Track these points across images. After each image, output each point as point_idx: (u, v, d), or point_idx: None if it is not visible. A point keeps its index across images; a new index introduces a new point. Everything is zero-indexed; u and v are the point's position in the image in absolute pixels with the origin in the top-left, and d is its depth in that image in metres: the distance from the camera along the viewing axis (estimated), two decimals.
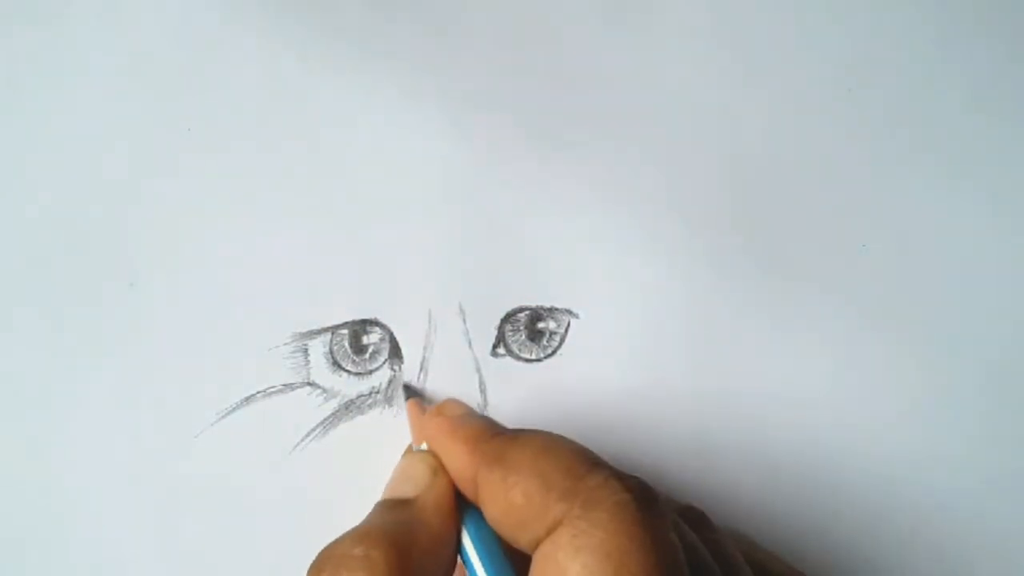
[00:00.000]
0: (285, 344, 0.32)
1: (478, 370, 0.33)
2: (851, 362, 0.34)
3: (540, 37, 0.34)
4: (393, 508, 0.25)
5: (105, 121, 0.32)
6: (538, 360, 0.33)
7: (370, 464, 0.32)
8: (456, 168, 0.33)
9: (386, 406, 0.32)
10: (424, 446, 0.27)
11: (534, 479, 0.23)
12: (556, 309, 0.33)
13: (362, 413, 0.32)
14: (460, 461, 0.25)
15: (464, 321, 0.33)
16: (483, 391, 0.33)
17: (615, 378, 0.33)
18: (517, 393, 0.33)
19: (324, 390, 0.32)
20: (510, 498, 0.23)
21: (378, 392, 0.32)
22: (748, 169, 0.34)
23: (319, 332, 0.32)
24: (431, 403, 0.31)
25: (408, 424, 0.31)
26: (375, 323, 0.32)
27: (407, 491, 0.26)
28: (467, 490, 0.25)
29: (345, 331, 0.32)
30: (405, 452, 0.28)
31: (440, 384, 0.32)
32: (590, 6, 0.34)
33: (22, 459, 0.31)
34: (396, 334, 0.32)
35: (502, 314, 0.33)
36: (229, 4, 0.33)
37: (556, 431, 0.33)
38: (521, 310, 0.33)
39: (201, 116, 0.32)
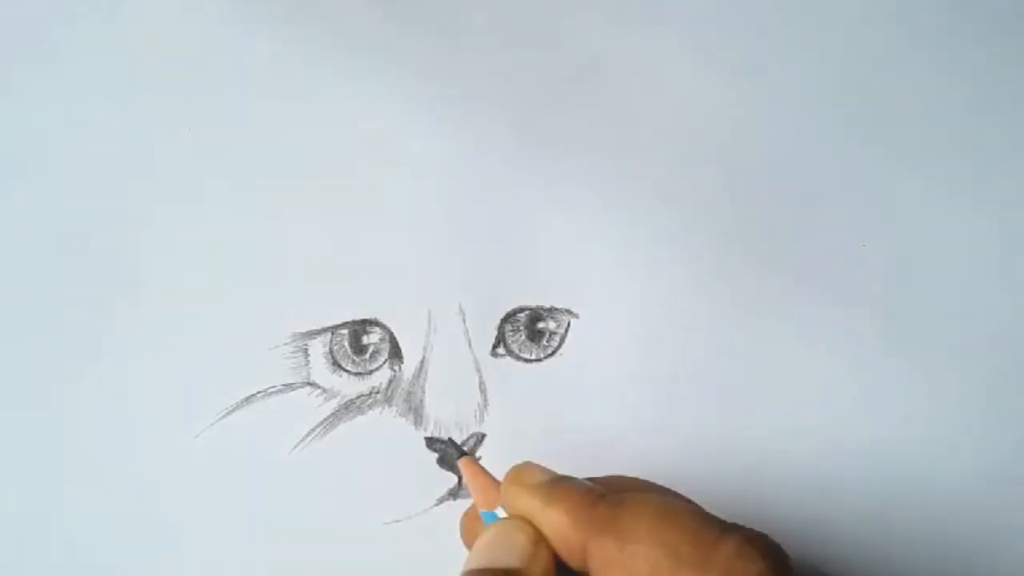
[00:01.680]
0: (285, 344, 0.32)
1: (478, 370, 0.33)
2: (851, 361, 0.34)
3: (540, 38, 0.34)
4: None
5: (105, 121, 0.32)
6: (538, 360, 0.33)
7: (370, 464, 0.32)
8: (456, 168, 0.33)
9: (386, 406, 0.32)
10: (500, 511, 0.26)
11: (658, 548, 0.22)
12: (556, 309, 0.33)
13: (362, 413, 0.32)
14: (563, 529, 0.24)
15: (464, 321, 0.33)
16: (483, 391, 0.33)
17: (615, 378, 0.33)
18: (517, 393, 0.33)
19: (324, 390, 0.32)
20: (632, 568, 0.22)
21: (378, 392, 0.32)
22: (748, 169, 0.34)
23: (319, 332, 0.32)
24: (467, 445, 0.31)
25: (470, 485, 0.27)
26: (375, 323, 0.32)
27: (511, 561, 0.24)
28: (573, 560, 0.24)
29: (345, 331, 0.32)
30: (495, 525, 0.25)
31: (440, 384, 0.32)
32: (591, 6, 0.34)
33: (22, 459, 0.31)
34: (396, 334, 0.32)
35: (502, 314, 0.33)
36: (229, 4, 0.33)
37: (556, 431, 0.33)
38: (521, 310, 0.33)
39: (201, 116, 0.32)
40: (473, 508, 0.27)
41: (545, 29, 0.34)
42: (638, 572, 0.22)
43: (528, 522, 0.25)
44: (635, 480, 0.27)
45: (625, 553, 0.22)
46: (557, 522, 0.24)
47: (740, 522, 0.34)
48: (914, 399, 0.34)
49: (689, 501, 0.25)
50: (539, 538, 0.24)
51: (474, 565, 0.24)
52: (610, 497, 0.24)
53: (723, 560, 0.21)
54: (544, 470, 0.26)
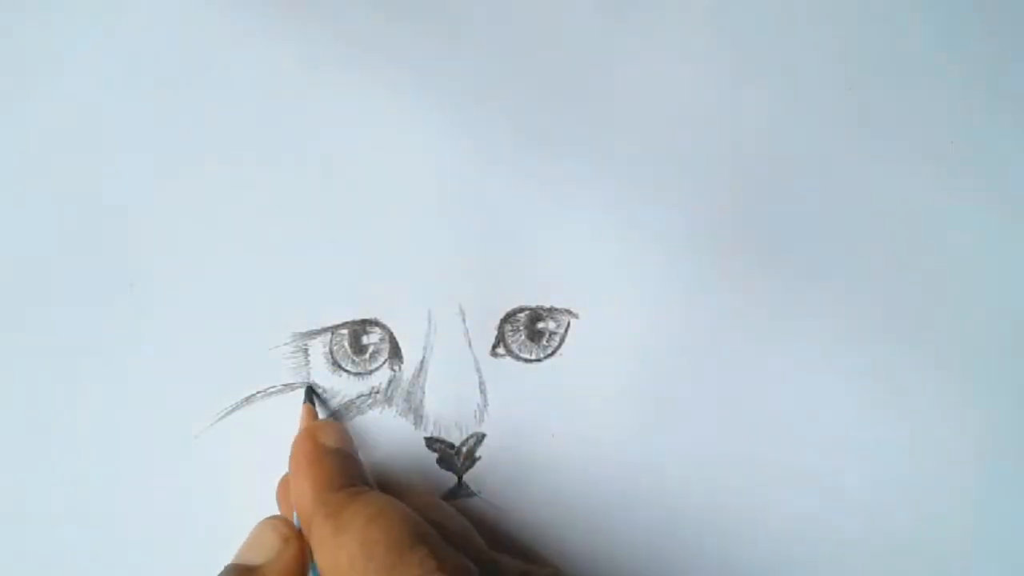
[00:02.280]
0: (285, 344, 0.32)
1: (478, 370, 0.33)
2: (851, 361, 0.34)
3: (540, 37, 0.34)
4: (239, 574, 0.27)
5: (105, 121, 0.32)
6: (538, 360, 0.33)
7: (370, 464, 0.32)
8: (456, 168, 0.33)
9: (386, 406, 0.32)
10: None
11: (360, 546, 0.24)
12: (556, 309, 0.33)
13: (362, 413, 0.32)
14: (305, 498, 0.26)
15: (464, 321, 0.33)
16: (483, 391, 0.33)
17: (615, 378, 0.33)
18: (517, 393, 0.33)
19: (324, 390, 0.32)
20: (337, 557, 0.24)
21: (378, 392, 0.32)
22: (748, 169, 0.34)
23: (319, 332, 0.32)
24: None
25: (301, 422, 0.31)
26: (375, 323, 0.32)
27: (255, 558, 0.27)
28: (304, 528, 0.26)
29: (345, 331, 0.32)
30: (261, 522, 0.28)
31: (440, 384, 0.32)
32: (590, 6, 0.34)
33: (22, 459, 0.31)
34: (396, 334, 0.32)
35: (502, 314, 0.33)
36: (229, 5, 0.33)
37: (556, 431, 0.33)
38: (521, 310, 0.33)
39: (201, 116, 0.32)
40: (285, 476, 0.29)
41: (545, 29, 0.34)
42: (339, 561, 0.24)
43: (283, 520, 0.28)
44: (429, 499, 0.30)
45: (336, 541, 0.24)
46: (304, 490, 0.27)
47: (739, 522, 0.34)
48: (914, 398, 0.34)
49: (417, 515, 0.26)
50: (290, 536, 0.27)
51: (231, 560, 0.27)
52: (356, 488, 0.26)
53: (405, 566, 0.23)
54: (340, 436, 0.29)
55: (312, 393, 0.31)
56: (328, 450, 0.28)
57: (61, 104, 0.32)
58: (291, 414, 0.32)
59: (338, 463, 0.27)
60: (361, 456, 0.31)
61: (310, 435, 0.28)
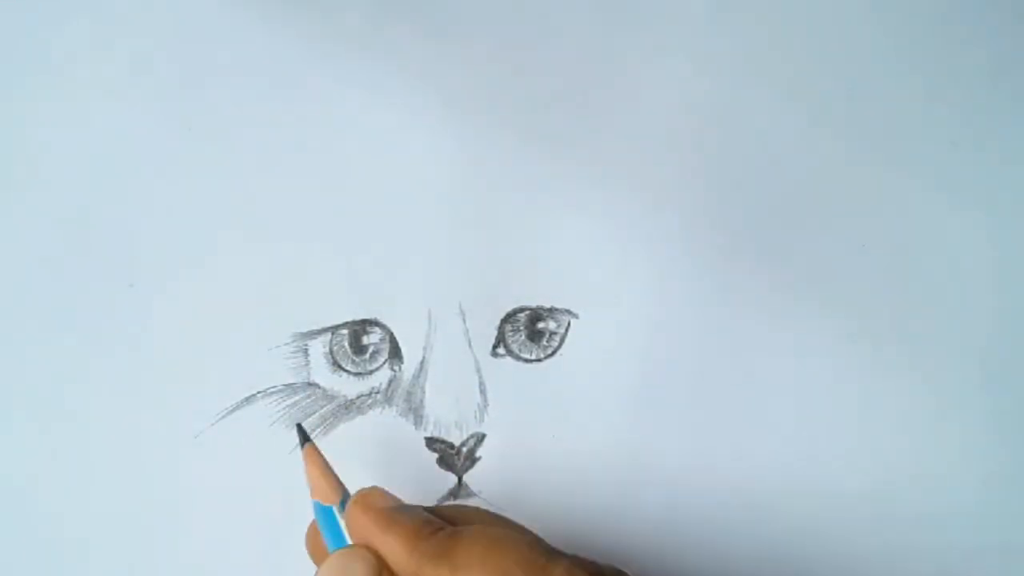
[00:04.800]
0: (285, 344, 0.32)
1: (478, 370, 0.33)
2: (851, 361, 0.34)
3: (540, 37, 0.34)
4: None
5: (105, 121, 0.32)
6: (538, 360, 0.33)
7: (370, 464, 0.32)
8: (456, 168, 0.33)
9: (386, 406, 0.32)
10: (334, 508, 0.27)
11: (491, 575, 0.23)
12: (556, 309, 0.33)
13: (362, 413, 0.32)
14: (400, 558, 0.25)
15: (464, 321, 0.33)
16: (483, 391, 0.33)
17: (615, 378, 0.33)
18: (517, 393, 0.33)
19: (324, 390, 0.32)
20: None
21: (378, 392, 0.32)
22: (748, 169, 0.34)
23: (319, 332, 0.32)
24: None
25: (308, 474, 0.28)
26: (375, 323, 0.32)
27: None
28: None
29: (345, 331, 0.32)
30: (338, 553, 0.26)
31: (440, 384, 0.32)
32: (590, 6, 0.34)
33: (22, 459, 0.31)
34: (396, 334, 0.32)
35: (502, 314, 0.33)
36: (230, 5, 0.33)
37: (556, 431, 0.33)
38: (521, 310, 0.33)
39: (201, 116, 0.32)
40: (312, 525, 0.28)
41: (546, 29, 0.34)
42: None
43: (368, 550, 0.25)
44: (479, 511, 0.28)
45: None
46: (395, 549, 0.25)
47: (739, 521, 0.34)
48: (914, 399, 0.34)
49: (526, 532, 0.26)
50: (379, 569, 0.25)
51: None
52: (448, 529, 0.25)
53: None
54: (389, 496, 0.27)
55: (304, 432, 0.29)
56: (392, 509, 0.26)
57: (61, 104, 0.32)
58: (292, 414, 0.32)
59: (413, 515, 0.26)
60: (360, 457, 0.31)
61: (366, 506, 0.26)
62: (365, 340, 0.32)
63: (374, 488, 0.27)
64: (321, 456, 0.28)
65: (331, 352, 0.32)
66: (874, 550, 0.34)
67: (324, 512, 0.27)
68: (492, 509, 0.32)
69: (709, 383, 0.33)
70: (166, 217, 0.32)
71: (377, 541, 0.25)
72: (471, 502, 0.32)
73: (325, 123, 0.33)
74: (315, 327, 0.32)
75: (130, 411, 0.32)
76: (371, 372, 0.32)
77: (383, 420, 0.32)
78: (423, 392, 0.32)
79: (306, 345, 0.32)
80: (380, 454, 0.32)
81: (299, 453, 0.32)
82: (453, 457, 0.32)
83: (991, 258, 0.34)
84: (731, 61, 0.34)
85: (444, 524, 0.26)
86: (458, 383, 0.33)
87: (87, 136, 0.32)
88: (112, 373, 0.32)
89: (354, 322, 0.32)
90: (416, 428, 0.32)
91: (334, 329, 0.32)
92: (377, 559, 0.25)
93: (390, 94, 0.33)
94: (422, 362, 0.32)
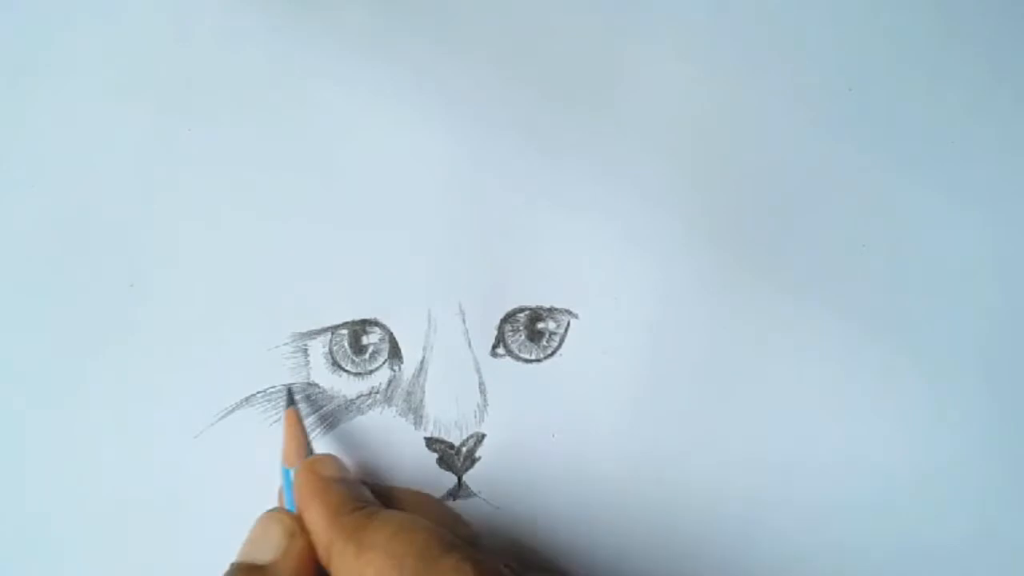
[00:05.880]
0: (285, 344, 0.32)
1: (478, 370, 0.33)
2: (851, 362, 0.34)
3: (540, 37, 0.34)
4: (247, 573, 0.26)
5: (106, 121, 0.32)
6: (538, 360, 0.33)
7: (370, 464, 0.32)
8: (456, 168, 0.33)
9: (386, 406, 0.32)
10: (292, 472, 0.28)
11: (388, 559, 0.24)
12: (556, 309, 0.33)
13: (362, 413, 0.32)
14: (318, 527, 0.26)
15: (464, 321, 0.33)
16: (483, 391, 0.33)
17: (615, 378, 0.33)
18: (517, 393, 0.33)
19: (324, 390, 0.32)
20: (363, 574, 0.24)
21: (378, 392, 0.32)
22: (748, 169, 0.34)
23: (319, 332, 0.32)
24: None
25: (285, 436, 0.30)
26: (375, 323, 0.32)
27: (263, 555, 0.26)
28: (322, 557, 0.26)
29: (345, 331, 0.32)
30: (261, 517, 0.28)
31: (440, 384, 0.32)
32: (590, 6, 0.34)
33: (22, 459, 0.31)
34: (396, 334, 0.32)
35: (502, 314, 0.33)
36: (230, 5, 0.33)
37: (556, 431, 0.33)
38: (521, 310, 0.33)
39: (201, 116, 0.32)
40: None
41: (545, 29, 0.34)
42: None
43: (289, 515, 0.27)
44: (422, 497, 0.30)
45: (360, 560, 0.24)
46: (317, 519, 0.26)
47: (740, 522, 0.34)
48: (914, 400, 0.34)
49: (458, 523, 0.28)
50: (296, 530, 0.27)
51: (236, 559, 0.27)
52: (368, 509, 0.26)
53: (440, 572, 0.23)
54: (336, 466, 0.29)
55: (291, 395, 0.31)
56: (332, 479, 0.28)
57: (61, 104, 0.32)
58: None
59: (345, 489, 0.27)
60: (360, 456, 0.31)
61: (310, 470, 0.28)
62: (365, 340, 0.32)
63: (326, 455, 0.29)
64: (298, 421, 0.30)
65: (331, 352, 0.32)
66: (875, 550, 0.34)
67: (284, 473, 0.29)
68: (492, 509, 0.33)
69: (709, 383, 0.33)
70: (166, 217, 0.32)
71: (305, 507, 0.27)
72: (471, 502, 0.32)
73: (325, 123, 0.33)
74: (315, 327, 0.32)
75: (130, 411, 0.32)
76: (371, 372, 0.32)
77: (383, 420, 0.32)
78: (423, 392, 0.32)
79: (306, 345, 0.32)
80: (380, 454, 0.32)
81: None
82: (453, 457, 0.32)
83: (991, 258, 0.34)
84: (731, 61, 0.34)
85: (369, 503, 0.27)
86: (458, 383, 0.33)
87: (87, 136, 0.32)
88: (112, 373, 0.32)
89: (354, 322, 0.32)
90: (416, 428, 0.32)
91: (334, 329, 0.32)
92: (296, 524, 0.27)
93: (390, 94, 0.33)
94: (422, 362, 0.32)
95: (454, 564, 0.24)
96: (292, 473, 0.29)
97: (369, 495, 0.28)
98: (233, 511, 0.31)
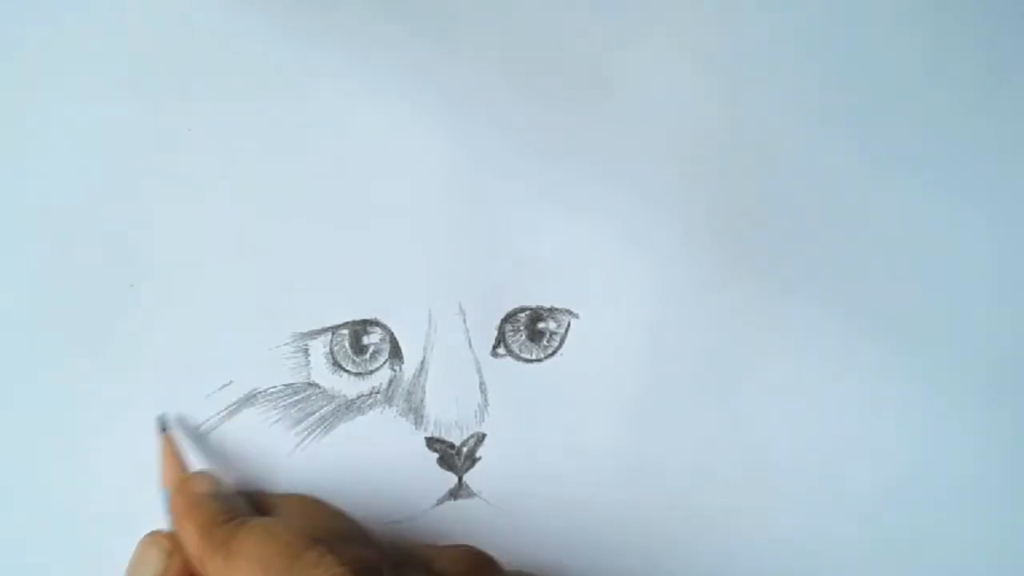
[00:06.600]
0: (285, 344, 0.32)
1: (478, 370, 0.33)
2: (851, 363, 0.34)
3: (540, 37, 0.33)
4: None
5: (105, 121, 0.32)
6: (538, 360, 0.33)
7: (370, 464, 0.32)
8: (456, 168, 0.33)
9: (386, 406, 0.32)
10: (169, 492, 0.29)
11: (254, 563, 0.25)
12: (556, 309, 0.33)
13: (362, 413, 0.32)
14: (191, 542, 0.27)
15: (464, 321, 0.33)
16: (483, 391, 0.33)
17: (615, 378, 0.33)
18: (517, 393, 0.33)
19: (324, 390, 0.32)
20: None
21: (378, 392, 0.32)
22: (748, 170, 0.34)
23: (319, 332, 0.32)
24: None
25: (161, 460, 0.31)
26: (375, 323, 0.32)
27: None
28: (198, 571, 0.27)
29: (345, 331, 0.32)
30: (141, 540, 0.29)
31: (440, 384, 0.32)
32: (590, 6, 0.34)
33: (21, 459, 0.31)
34: (396, 334, 0.32)
35: (502, 314, 0.33)
36: (229, 5, 0.33)
37: (556, 431, 0.33)
38: (521, 310, 0.33)
39: (201, 116, 0.32)
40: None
41: (545, 30, 0.34)
42: None
43: (164, 537, 0.29)
44: (304, 501, 0.31)
45: (229, 568, 0.26)
46: (190, 536, 0.28)
47: (739, 522, 0.34)
48: (914, 402, 0.34)
49: (335, 519, 0.29)
50: (172, 549, 0.28)
51: None
52: (239, 519, 0.27)
53: (303, 567, 0.25)
54: (210, 482, 0.30)
55: (164, 423, 0.31)
56: (204, 495, 0.29)
57: (61, 104, 0.32)
58: (292, 414, 0.32)
59: (216, 504, 0.28)
60: (360, 457, 0.31)
61: (182, 489, 0.29)
62: (365, 340, 0.32)
63: (200, 473, 0.30)
64: (172, 444, 0.31)
65: (331, 352, 0.32)
66: (875, 551, 0.34)
67: (162, 495, 0.30)
68: (492, 509, 0.33)
69: (710, 383, 0.33)
70: (166, 217, 0.32)
71: (179, 525, 0.28)
72: (471, 502, 0.33)
73: (325, 122, 0.33)
74: (315, 327, 0.32)
75: (130, 411, 0.32)
76: (371, 372, 0.32)
77: (383, 420, 0.32)
78: (423, 392, 0.32)
79: (306, 345, 0.32)
80: (380, 454, 0.32)
81: (300, 453, 0.32)
82: (453, 457, 0.32)
83: (992, 258, 0.34)
84: (731, 61, 0.34)
85: (239, 515, 0.28)
86: (458, 383, 0.33)
87: (87, 136, 0.32)
88: (112, 373, 0.32)
89: (354, 322, 0.32)
90: (416, 428, 0.32)
91: (334, 329, 0.32)
92: (171, 543, 0.28)
93: (390, 94, 0.33)
94: (422, 362, 0.32)
95: (315, 558, 0.25)
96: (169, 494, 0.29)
97: (243, 506, 0.29)
98: None
